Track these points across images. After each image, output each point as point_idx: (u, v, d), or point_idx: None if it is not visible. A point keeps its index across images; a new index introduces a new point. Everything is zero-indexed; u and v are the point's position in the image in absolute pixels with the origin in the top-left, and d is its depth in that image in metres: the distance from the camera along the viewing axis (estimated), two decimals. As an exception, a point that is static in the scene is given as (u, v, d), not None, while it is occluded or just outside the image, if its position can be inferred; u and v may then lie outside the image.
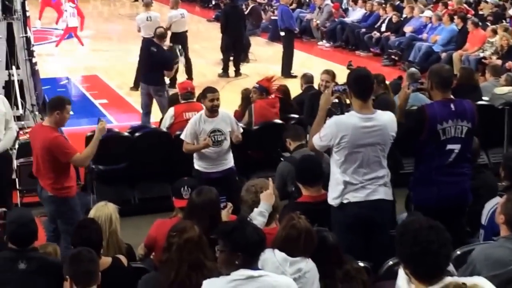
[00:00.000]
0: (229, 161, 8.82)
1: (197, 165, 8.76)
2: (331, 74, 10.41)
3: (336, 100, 6.80)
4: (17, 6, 11.32)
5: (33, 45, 11.89)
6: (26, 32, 11.49)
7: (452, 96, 6.74)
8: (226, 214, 6.14)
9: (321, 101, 6.69)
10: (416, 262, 3.88)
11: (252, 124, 10.70)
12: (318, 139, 6.43)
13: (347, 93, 6.49)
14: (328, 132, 6.34)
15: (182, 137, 8.78)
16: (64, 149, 7.71)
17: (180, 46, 16.15)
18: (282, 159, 8.36)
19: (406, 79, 10.01)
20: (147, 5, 17.49)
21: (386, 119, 6.40)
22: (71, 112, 7.99)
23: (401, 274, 4.07)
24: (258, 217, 5.81)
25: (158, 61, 13.37)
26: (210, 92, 8.69)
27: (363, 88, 6.37)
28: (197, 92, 10.73)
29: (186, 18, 17.78)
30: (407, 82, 9.90)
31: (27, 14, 11.70)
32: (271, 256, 5.11)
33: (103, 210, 6.31)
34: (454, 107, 6.57)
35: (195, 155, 8.75)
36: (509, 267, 4.97)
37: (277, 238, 5.26)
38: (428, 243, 3.82)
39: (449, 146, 6.56)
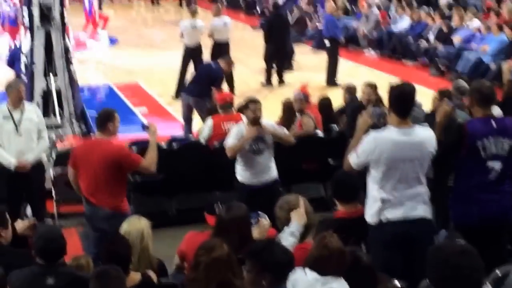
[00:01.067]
0: (272, 172, 8.71)
1: (240, 176, 8.69)
2: (373, 88, 10.38)
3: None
4: (56, 14, 11.33)
5: (71, 53, 11.90)
6: (64, 41, 11.51)
7: (497, 110, 6.57)
8: (258, 231, 5.99)
9: (359, 123, 6.59)
10: (446, 286, 3.81)
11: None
12: (355, 157, 6.28)
13: (386, 117, 6.37)
14: (366, 148, 6.20)
15: (226, 143, 8.66)
16: (131, 157, 7.68)
17: None
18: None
19: (453, 92, 9.77)
20: (193, 13, 17.29)
21: (425, 134, 6.27)
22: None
23: None
24: (289, 237, 5.73)
25: (211, 76, 13.36)
26: (252, 102, 8.65)
27: (404, 107, 6.24)
28: (239, 101, 10.69)
29: (229, 27, 17.59)
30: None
31: (66, 22, 11.72)
32: (302, 276, 4.97)
33: (135, 225, 6.22)
34: (495, 124, 6.41)
35: (238, 166, 8.67)
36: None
37: (308, 257, 5.11)
38: (460, 268, 3.76)
39: (490, 163, 6.39)
